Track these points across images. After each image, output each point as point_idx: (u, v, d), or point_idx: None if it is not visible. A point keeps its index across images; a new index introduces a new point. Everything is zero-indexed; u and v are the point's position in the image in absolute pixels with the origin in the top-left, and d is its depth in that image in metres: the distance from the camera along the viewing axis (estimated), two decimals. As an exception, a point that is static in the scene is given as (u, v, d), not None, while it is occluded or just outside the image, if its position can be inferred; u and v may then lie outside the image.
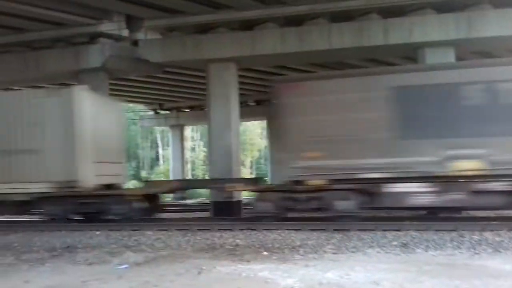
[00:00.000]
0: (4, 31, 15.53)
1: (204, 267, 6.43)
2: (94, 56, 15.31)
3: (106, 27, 15.32)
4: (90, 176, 11.09)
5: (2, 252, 8.38)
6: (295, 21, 14.23)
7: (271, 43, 14.27)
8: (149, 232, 9.40)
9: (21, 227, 10.47)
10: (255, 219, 10.27)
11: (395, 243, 7.82)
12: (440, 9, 13.34)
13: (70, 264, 7.15)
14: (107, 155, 11.84)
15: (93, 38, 15.50)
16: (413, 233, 8.33)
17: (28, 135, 11.14)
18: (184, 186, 12.78)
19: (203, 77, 16.64)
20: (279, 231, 9.00)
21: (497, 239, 7.77)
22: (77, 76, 15.94)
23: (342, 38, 13.88)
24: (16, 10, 13.68)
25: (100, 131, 11.69)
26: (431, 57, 13.48)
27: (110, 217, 11.15)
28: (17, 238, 9.56)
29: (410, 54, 14.81)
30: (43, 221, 11.45)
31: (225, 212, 13.48)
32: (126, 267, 6.74)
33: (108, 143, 12.03)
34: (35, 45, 15.99)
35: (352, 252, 7.41)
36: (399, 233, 8.43)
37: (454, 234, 8.18)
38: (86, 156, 11.05)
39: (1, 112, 11.49)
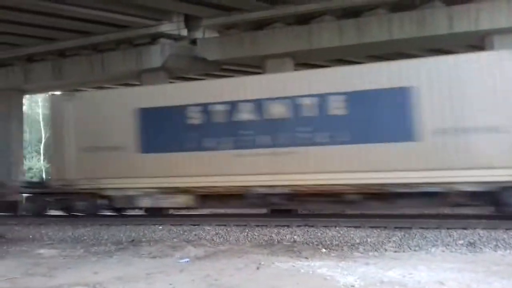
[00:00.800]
0: (73, 35, 16.44)
1: (262, 263, 6.47)
2: (155, 56, 15.83)
3: (166, 27, 15.78)
4: None
5: (72, 244, 8.90)
6: (353, 13, 13.91)
7: (328, 36, 14.05)
8: (209, 227, 9.59)
9: (89, 221, 11.05)
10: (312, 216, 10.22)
11: (461, 241, 7.46)
12: (510, -7, 12.52)
13: (135, 257, 7.46)
14: None
15: (154, 38, 16.03)
16: (481, 232, 7.90)
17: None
18: None
19: (260, 74, 16.71)
20: (337, 228, 8.86)
21: None
22: (139, 76, 16.57)
23: (403, 28, 13.40)
24: (83, 14, 14.43)
25: None
26: (500, 45, 12.68)
27: None
28: (86, 231, 10.09)
29: (477, 43, 14.03)
30: (109, 216, 12.04)
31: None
32: (187, 261, 6.93)
33: None
34: (100, 48, 16.79)
35: (415, 250, 7.16)
36: (466, 231, 8.02)
37: (526, 233, 7.68)
38: None
39: None
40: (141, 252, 7.77)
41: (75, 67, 17.11)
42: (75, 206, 11.84)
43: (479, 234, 7.81)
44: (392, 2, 13.43)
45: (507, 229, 7.95)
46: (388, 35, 13.49)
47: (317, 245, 7.85)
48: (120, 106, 11.58)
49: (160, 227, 9.92)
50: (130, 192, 11.24)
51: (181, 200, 10.91)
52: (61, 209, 12.21)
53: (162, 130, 11.05)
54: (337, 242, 7.93)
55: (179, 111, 10.91)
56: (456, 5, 12.94)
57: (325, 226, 9.02)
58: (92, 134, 11.70)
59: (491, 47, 12.89)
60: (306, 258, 6.81)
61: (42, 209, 12.44)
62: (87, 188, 11.55)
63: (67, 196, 11.81)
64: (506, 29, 12.56)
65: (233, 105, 10.57)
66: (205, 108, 10.76)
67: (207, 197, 10.79)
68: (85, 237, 9.62)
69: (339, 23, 13.97)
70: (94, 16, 14.71)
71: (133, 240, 9.02)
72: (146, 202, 11.25)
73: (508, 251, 6.88)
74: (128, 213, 12.61)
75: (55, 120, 12.44)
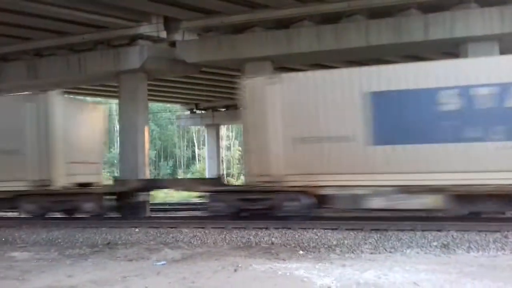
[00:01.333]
0: (48, 34, 16.15)
1: (240, 265, 6.47)
2: (133, 57, 15.67)
3: (145, 29, 15.65)
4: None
5: (46, 247, 8.74)
6: (332, 19, 14.07)
7: (307, 41, 14.18)
8: (186, 230, 9.54)
9: (64, 224, 10.84)
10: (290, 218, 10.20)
11: (435, 243, 7.61)
12: (484, 2, 12.86)
13: (111, 260, 7.36)
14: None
15: (133, 40, 15.87)
16: (454, 234, 8.07)
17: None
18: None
19: (238, 77, 16.75)
20: (315, 230, 8.93)
21: (544, 241, 7.44)
22: (117, 77, 16.39)
23: (380, 35, 13.61)
24: (60, 14, 14.19)
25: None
26: (473, 53, 13.03)
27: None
28: (61, 234, 9.91)
29: (452, 50, 14.37)
30: (85, 218, 11.86)
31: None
32: (164, 264, 6.88)
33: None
34: (77, 48, 16.54)
35: (390, 252, 7.28)
36: (440, 233, 8.18)
37: (497, 235, 7.87)
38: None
39: None
40: (117, 255, 7.67)
41: (51, 67, 16.79)
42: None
43: (452, 236, 7.98)
44: (369, 9, 13.65)
45: (479, 231, 8.14)
46: (365, 41, 13.69)
47: (294, 247, 7.90)
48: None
49: (137, 230, 9.82)
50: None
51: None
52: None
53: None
54: (314, 244, 7.99)
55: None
56: (432, 13, 13.24)
57: (303, 228, 9.08)
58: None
59: (465, 55, 13.23)
60: (284, 260, 6.85)
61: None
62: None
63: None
64: (480, 37, 12.89)
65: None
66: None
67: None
68: (59, 240, 9.44)
69: (318, 29, 14.12)
70: (71, 16, 14.49)
71: (109, 243, 8.90)
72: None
73: (480, 252, 7.06)
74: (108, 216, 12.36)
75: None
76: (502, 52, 13.23)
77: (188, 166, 43.91)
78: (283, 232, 8.97)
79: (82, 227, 10.40)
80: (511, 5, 12.61)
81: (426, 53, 17.11)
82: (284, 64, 16.77)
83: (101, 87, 21.64)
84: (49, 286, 5.67)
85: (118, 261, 7.21)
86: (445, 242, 7.62)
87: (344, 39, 13.84)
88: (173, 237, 9.05)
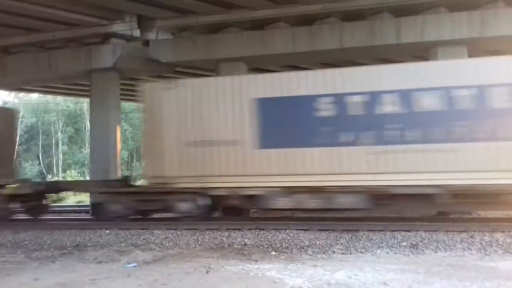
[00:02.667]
0: (18, 31, 15.75)
1: (212, 266, 6.43)
2: (106, 56, 15.45)
3: (118, 27, 15.45)
4: None
5: (12, 250, 8.48)
6: (307, 21, 14.19)
7: (282, 42, 14.26)
8: (158, 231, 9.43)
9: (31, 226, 10.56)
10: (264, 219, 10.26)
11: (404, 243, 7.74)
12: (453, 7, 13.20)
13: (80, 262, 7.20)
14: None
15: (105, 38, 15.65)
16: (423, 234, 8.23)
17: None
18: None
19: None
20: (287, 231, 8.96)
21: (508, 240, 7.65)
22: (89, 76, 16.10)
23: (354, 37, 13.82)
24: (30, 11, 13.86)
25: None
26: (443, 56, 13.35)
27: None
28: (28, 236, 9.65)
29: (422, 54, 14.67)
30: (52, 219, 11.61)
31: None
32: (134, 266, 6.77)
33: None
34: (48, 45, 16.18)
35: (361, 252, 7.35)
36: (409, 233, 8.33)
37: (464, 235, 8.07)
38: None
39: None
40: (86, 257, 7.51)
41: (20, 65, 16.38)
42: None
43: (421, 236, 8.13)
44: (343, 12, 13.82)
45: (447, 231, 8.33)
46: (339, 43, 13.87)
47: (267, 248, 7.90)
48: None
49: (107, 231, 9.64)
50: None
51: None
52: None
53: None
54: (286, 245, 8.01)
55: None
56: (403, 17, 13.50)
57: (276, 229, 9.10)
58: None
59: (435, 58, 13.54)
60: (256, 261, 6.83)
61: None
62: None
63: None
64: (449, 41, 13.23)
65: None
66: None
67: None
68: (26, 242, 9.18)
69: (293, 30, 14.22)
70: (41, 13, 14.17)
71: (77, 245, 8.71)
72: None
73: (448, 252, 7.20)
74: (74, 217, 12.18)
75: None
76: (471, 55, 13.61)
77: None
78: (256, 233, 8.97)
79: (51, 229, 10.15)
80: (479, 10, 12.97)
81: (398, 56, 17.42)
82: (259, 65, 16.81)
83: (72, 85, 21.22)
84: (14, 289, 5.50)
85: (87, 264, 7.06)
86: (414, 242, 7.75)
87: (318, 41, 13.98)
88: (144, 239, 8.93)
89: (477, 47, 13.87)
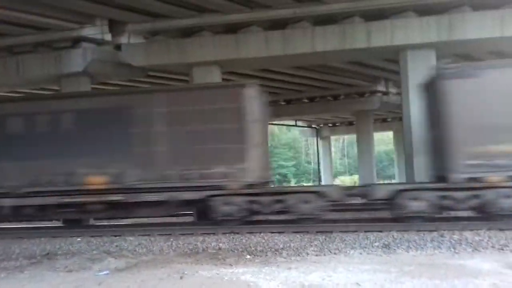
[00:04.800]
0: (-16, 35, 15.31)
1: (186, 272, 6.37)
2: (76, 60, 15.18)
3: (89, 31, 15.20)
4: None
5: (-22, 260, 8.20)
6: (280, 25, 14.28)
7: (255, 46, 14.31)
8: (131, 238, 9.29)
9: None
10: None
11: (377, 244, 7.83)
12: (422, 12, 13.50)
13: (49, 271, 7.01)
14: None
15: (76, 42, 15.37)
16: (395, 234, 8.35)
17: None
18: None
19: (186, 81, 16.60)
20: (262, 234, 8.96)
21: (477, 238, 7.83)
22: (59, 81, 15.78)
23: (325, 41, 13.98)
24: (-4, 14, 13.50)
25: None
26: (413, 59, 13.64)
27: None
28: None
29: (392, 57, 14.96)
30: (22, 228, 11.28)
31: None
32: (106, 273, 6.64)
33: None
34: (16, 50, 15.79)
35: (335, 253, 7.41)
36: (381, 234, 8.45)
37: (434, 234, 8.22)
38: None
39: None
40: (56, 266, 7.33)
41: (-14, 70, 15.94)
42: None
43: (393, 236, 8.25)
44: (315, 16, 13.97)
45: (418, 231, 8.48)
46: (311, 47, 14.01)
47: (242, 251, 7.87)
48: None
49: (79, 239, 9.44)
50: None
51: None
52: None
53: None
54: (261, 248, 8.00)
55: None
56: (373, 21, 13.74)
57: (250, 233, 9.09)
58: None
59: (405, 61, 13.82)
60: (231, 265, 6.80)
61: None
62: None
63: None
64: (418, 45, 13.53)
65: None
66: None
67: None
68: (-7, 252, 8.90)
69: (266, 34, 14.30)
70: (9, 17, 13.81)
71: (47, 254, 8.48)
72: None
73: (419, 251, 7.33)
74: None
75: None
76: (440, 59, 13.97)
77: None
78: (231, 237, 8.93)
79: (19, 238, 9.87)
80: (447, 14, 13.31)
81: (370, 59, 17.74)
82: (232, 69, 16.83)
83: (41, 91, 20.74)
84: (-20, 301, 5.33)
85: (57, 272, 6.89)
86: (386, 242, 7.86)
87: (291, 45, 14.09)
88: (117, 246, 8.77)
89: (445, 51, 14.25)
